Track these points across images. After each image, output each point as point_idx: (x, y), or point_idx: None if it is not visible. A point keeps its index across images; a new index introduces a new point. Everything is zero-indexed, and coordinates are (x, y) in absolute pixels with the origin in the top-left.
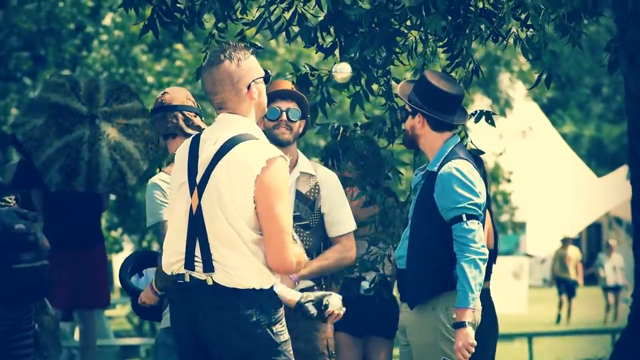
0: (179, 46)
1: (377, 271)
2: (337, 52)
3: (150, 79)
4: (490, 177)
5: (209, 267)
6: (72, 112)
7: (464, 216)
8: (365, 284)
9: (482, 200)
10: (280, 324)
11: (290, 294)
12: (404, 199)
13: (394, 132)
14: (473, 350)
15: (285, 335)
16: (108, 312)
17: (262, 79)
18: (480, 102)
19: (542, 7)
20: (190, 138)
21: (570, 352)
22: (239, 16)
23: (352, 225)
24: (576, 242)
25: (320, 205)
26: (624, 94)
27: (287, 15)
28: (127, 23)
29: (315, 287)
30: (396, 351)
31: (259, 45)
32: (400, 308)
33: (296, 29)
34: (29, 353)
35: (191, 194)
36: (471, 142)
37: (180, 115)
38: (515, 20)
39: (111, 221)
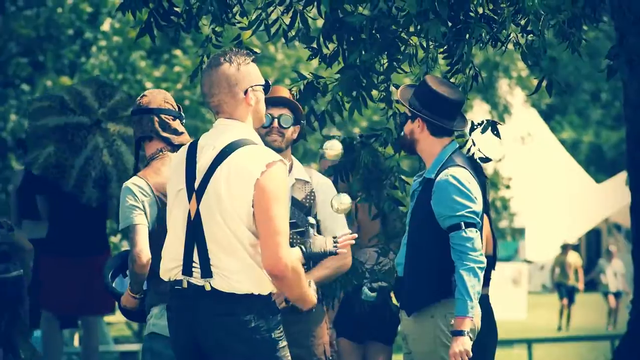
0: (177, 52)
1: (388, 282)
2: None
3: (148, 85)
4: (489, 183)
5: (207, 272)
6: (76, 127)
7: (462, 224)
8: (367, 290)
9: (479, 207)
10: (279, 329)
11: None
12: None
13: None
14: (467, 359)
15: (284, 341)
16: (107, 318)
17: (261, 87)
18: (479, 108)
19: (542, 13)
20: (187, 145)
21: (569, 358)
22: (238, 19)
23: (347, 232)
24: (575, 248)
25: (315, 212)
26: (622, 100)
27: (286, 18)
28: (125, 29)
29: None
30: (399, 357)
31: (256, 50)
32: (400, 315)
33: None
34: None
35: (189, 199)
36: (479, 150)
37: (156, 119)
38: (515, 26)
39: (111, 227)
